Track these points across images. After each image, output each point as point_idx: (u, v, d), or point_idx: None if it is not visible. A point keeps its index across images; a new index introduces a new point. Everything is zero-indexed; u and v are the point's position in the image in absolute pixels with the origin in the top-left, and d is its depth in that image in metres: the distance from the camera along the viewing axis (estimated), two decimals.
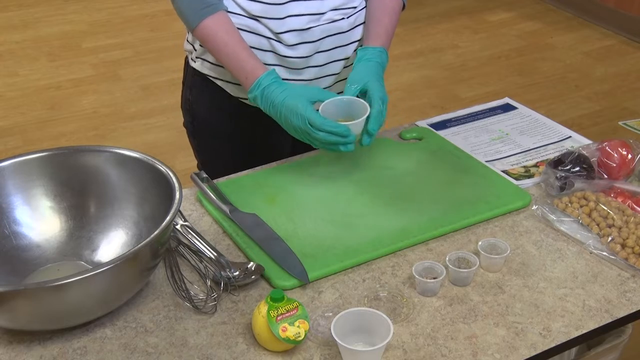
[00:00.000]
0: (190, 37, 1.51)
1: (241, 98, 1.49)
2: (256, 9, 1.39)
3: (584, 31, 4.24)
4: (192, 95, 1.55)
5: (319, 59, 1.44)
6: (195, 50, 1.50)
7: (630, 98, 3.56)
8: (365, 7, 1.48)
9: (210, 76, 1.50)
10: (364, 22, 1.49)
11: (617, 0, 4.20)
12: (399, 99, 3.52)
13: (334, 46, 1.45)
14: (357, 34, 1.48)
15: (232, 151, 1.57)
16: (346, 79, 1.49)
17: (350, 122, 1.32)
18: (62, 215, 1.26)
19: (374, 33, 1.45)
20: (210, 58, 1.48)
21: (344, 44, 1.46)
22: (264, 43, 1.41)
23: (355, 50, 1.48)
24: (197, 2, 1.37)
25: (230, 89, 1.49)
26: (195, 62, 1.51)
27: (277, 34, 1.40)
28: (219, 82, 1.49)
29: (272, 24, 1.39)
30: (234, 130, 1.55)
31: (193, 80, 1.54)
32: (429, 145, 1.56)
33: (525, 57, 3.97)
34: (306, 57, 1.43)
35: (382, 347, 1.03)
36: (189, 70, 1.56)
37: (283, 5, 1.38)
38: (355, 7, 1.46)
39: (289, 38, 1.40)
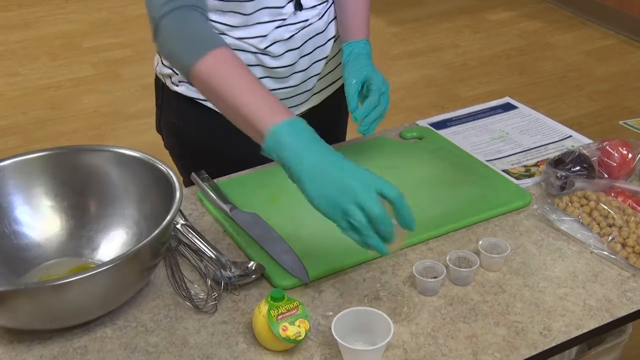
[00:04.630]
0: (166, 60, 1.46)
1: None
2: (238, 33, 1.37)
3: (585, 30, 4.24)
4: (177, 119, 1.50)
5: (303, 63, 1.45)
6: (177, 74, 1.44)
7: (631, 97, 3.55)
8: (333, 2, 1.48)
9: (199, 99, 1.45)
10: (335, 17, 1.48)
11: (617, 0, 4.20)
12: (399, 98, 3.52)
13: (314, 47, 1.45)
14: (332, 30, 1.48)
15: (224, 166, 1.52)
16: (326, 76, 1.51)
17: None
18: (63, 214, 1.26)
19: (353, 26, 1.45)
20: None
21: (322, 43, 1.47)
22: (250, 58, 1.40)
23: (333, 47, 1.48)
24: (193, 39, 1.18)
25: None
26: (178, 86, 1.46)
27: (262, 48, 1.39)
28: (208, 104, 1.45)
29: (255, 42, 1.38)
30: (226, 146, 1.50)
31: (177, 105, 1.48)
32: (430, 144, 1.56)
33: (526, 56, 3.97)
34: (292, 64, 1.43)
35: (382, 346, 1.03)
36: (168, 94, 1.49)
37: (266, 25, 1.37)
38: (327, 2, 1.46)
39: (275, 50, 1.39)
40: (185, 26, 1.18)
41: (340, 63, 1.52)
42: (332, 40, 1.48)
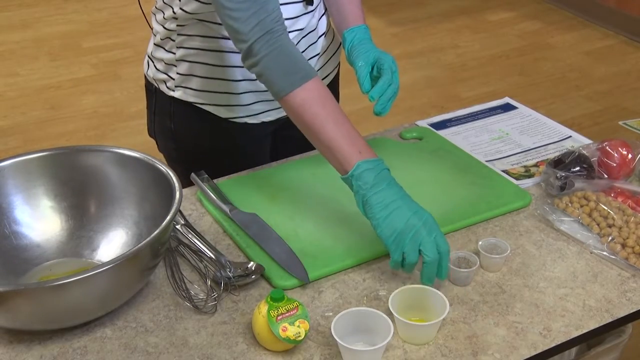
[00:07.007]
0: (161, 65, 1.46)
1: (231, 118, 1.46)
2: None
3: (585, 31, 4.24)
4: (174, 123, 1.50)
5: None
6: (174, 79, 1.45)
7: (631, 98, 3.56)
8: None
9: (197, 103, 1.45)
10: (325, 12, 1.49)
11: (617, 0, 4.20)
12: (399, 98, 3.47)
13: (307, 46, 1.46)
14: (323, 27, 1.49)
15: (221, 167, 1.51)
16: (317, 71, 1.51)
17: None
18: (63, 214, 1.26)
19: (351, 14, 1.46)
20: (194, 84, 1.43)
21: (314, 41, 1.47)
22: None
23: (323, 44, 1.49)
24: (289, 67, 1.23)
25: (219, 112, 1.45)
26: (174, 91, 1.46)
27: None
28: (206, 107, 1.45)
29: None
30: (225, 149, 1.51)
31: (174, 110, 1.48)
32: (429, 145, 1.56)
33: (526, 56, 3.97)
34: None
35: (382, 346, 1.03)
36: (163, 99, 1.49)
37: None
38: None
39: None
40: (280, 53, 1.23)
41: (330, 59, 1.54)
42: (323, 37, 1.49)
